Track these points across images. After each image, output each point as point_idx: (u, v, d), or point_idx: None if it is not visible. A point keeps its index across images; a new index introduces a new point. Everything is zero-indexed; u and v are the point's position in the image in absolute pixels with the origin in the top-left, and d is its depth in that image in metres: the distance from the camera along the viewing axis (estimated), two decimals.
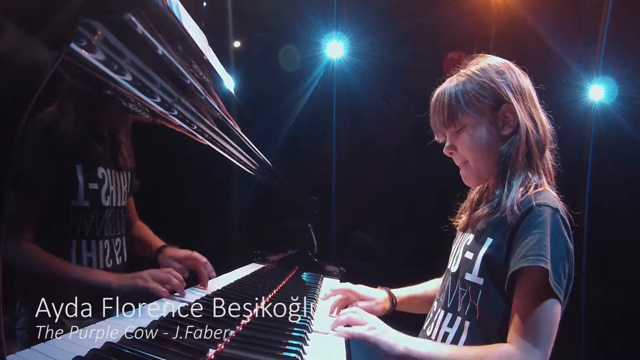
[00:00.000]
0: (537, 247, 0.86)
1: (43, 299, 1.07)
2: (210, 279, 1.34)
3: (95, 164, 1.17)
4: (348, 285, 1.26)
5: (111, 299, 1.10)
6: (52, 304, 1.08)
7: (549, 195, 0.94)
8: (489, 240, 0.96)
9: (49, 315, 1.07)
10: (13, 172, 0.41)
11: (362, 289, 1.26)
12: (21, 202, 1.00)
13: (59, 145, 1.06)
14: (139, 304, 1.02)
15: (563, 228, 0.90)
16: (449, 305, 1.03)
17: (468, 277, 0.98)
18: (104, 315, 0.91)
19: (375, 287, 1.31)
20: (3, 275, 0.40)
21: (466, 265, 1.00)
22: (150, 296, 1.07)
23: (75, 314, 1.09)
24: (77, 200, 1.10)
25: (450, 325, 1.00)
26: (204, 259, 1.34)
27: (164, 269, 1.16)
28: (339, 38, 3.10)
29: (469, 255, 1.00)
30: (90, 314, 1.11)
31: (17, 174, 0.98)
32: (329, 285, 1.88)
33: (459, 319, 0.99)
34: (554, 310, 0.86)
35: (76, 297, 1.09)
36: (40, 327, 1.05)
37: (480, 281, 0.95)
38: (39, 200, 1.03)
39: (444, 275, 1.14)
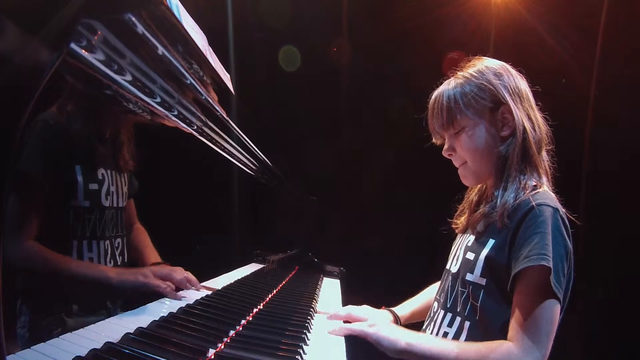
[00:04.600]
0: (538, 246, 0.86)
1: (45, 298, 1.07)
2: (195, 287, 1.28)
3: (96, 164, 1.17)
4: (350, 309, 1.19)
5: (112, 294, 1.11)
6: (54, 303, 1.08)
7: (548, 195, 0.95)
8: (491, 241, 0.96)
9: (51, 315, 1.07)
10: (14, 171, 0.41)
11: (365, 312, 1.20)
12: (22, 200, 1.01)
13: (59, 145, 1.06)
14: (139, 304, 1.02)
15: (563, 228, 0.90)
16: (448, 305, 1.03)
17: (469, 277, 0.98)
18: (103, 315, 0.91)
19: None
20: (4, 274, 0.40)
21: (467, 265, 1.00)
22: (151, 293, 1.07)
23: (76, 313, 1.10)
24: (77, 200, 1.10)
25: (450, 325, 1.00)
26: (179, 277, 1.20)
27: (165, 267, 1.16)
28: (340, 38, 3.10)
29: (470, 255, 1.00)
30: (91, 312, 1.11)
31: (18, 173, 0.98)
32: (329, 285, 1.88)
33: (458, 318, 0.99)
34: (554, 309, 0.86)
35: (77, 293, 1.09)
36: (41, 326, 1.06)
37: (483, 281, 0.95)
38: (40, 199, 1.03)
39: (442, 276, 1.14)
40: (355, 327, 0.93)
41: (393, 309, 1.30)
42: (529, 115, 1.00)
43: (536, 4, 2.84)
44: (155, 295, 1.09)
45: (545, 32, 2.81)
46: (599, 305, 2.72)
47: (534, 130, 0.99)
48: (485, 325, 0.93)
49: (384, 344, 0.90)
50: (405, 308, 1.31)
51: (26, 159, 0.99)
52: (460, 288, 1.00)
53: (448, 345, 0.92)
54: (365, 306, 1.24)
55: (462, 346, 0.92)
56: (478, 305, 0.95)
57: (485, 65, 1.03)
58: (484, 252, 0.96)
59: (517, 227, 0.91)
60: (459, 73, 1.06)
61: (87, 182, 1.12)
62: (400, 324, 1.26)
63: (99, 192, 1.16)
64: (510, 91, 1.00)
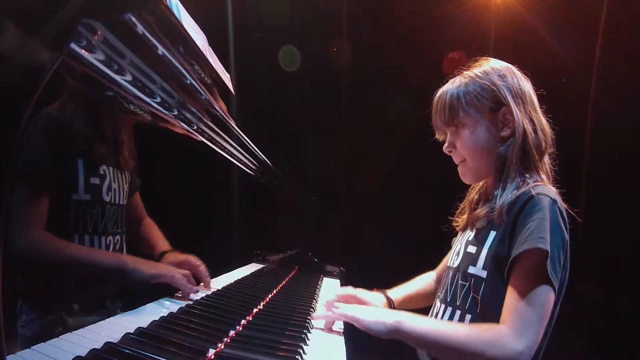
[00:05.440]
0: (536, 231, 0.88)
1: (45, 298, 1.08)
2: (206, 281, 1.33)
3: (98, 160, 1.17)
4: (349, 290, 1.25)
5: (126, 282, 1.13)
6: (54, 302, 1.08)
7: (549, 188, 0.96)
8: (492, 234, 0.97)
9: (51, 314, 1.07)
10: (17, 167, 0.41)
11: (361, 294, 1.25)
12: (30, 193, 1.01)
13: (62, 139, 1.07)
14: (139, 304, 1.02)
15: (561, 219, 0.91)
16: (448, 299, 1.04)
17: (471, 270, 0.98)
18: (103, 315, 0.91)
19: (372, 288, 1.31)
20: (17, 266, 0.40)
21: (469, 258, 1.01)
22: (165, 283, 1.11)
23: (77, 312, 1.10)
24: (77, 193, 1.10)
25: (451, 318, 1.01)
26: (198, 263, 1.34)
27: (178, 255, 1.25)
28: (340, 38, 3.10)
29: (472, 249, 1.01)
30: (91, 311, 1.11)
31: (23, 166, 0.99)
32: (329, 285, 1.88)
33: (458, 312, 1.00)
34: (548, 295, 0.87)
35: (91, 281, 1.11)
36: (41, 325, 1.06)
37: (484, 274, 0.96)
38: (46, 191, 1.04)
39: (444, 273, 1.15)
40: (346, 311, 0.94)
41: (387, 291, 1.31)
42: (530, 118, 1.00)
43: (536, 4, 2.84)
44: (159, 292, 1.11)
45: (545, 32, 2.81)
46: (599, 305, 2.72)
47: (535, 132, 1.00)
48: (487, 318, 0.94)
49: (374, 327, 0.90)
50: (399, 292, 1.31)
51: (30, 152, 1.00)
52: (460, 281, 1.01)
53: (438, 324, 0.93)
54: (359, 289, 1.25)
55: (453, 325, 0.93)
56: (479, 298, 0.95)
57: (491, 66, 1.05)
58: (486, 244, 0.97)
59: (517, 216, 0.92)
60: (464, 72, 1.07)
61: (89, 176, 1.13)
62: (394, 307, 1.27)
63: (100, 187, 1.16)
64: (513, 93, 1.01)
